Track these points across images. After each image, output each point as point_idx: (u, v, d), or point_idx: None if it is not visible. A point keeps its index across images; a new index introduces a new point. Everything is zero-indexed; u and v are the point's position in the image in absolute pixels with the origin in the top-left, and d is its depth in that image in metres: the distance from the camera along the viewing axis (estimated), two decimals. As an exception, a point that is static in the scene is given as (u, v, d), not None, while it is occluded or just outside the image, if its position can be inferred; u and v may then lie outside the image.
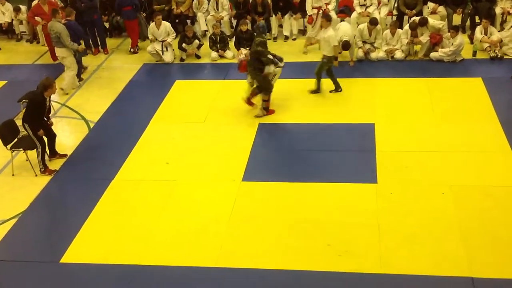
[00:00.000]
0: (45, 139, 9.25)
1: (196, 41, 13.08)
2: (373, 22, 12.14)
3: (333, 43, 10.51)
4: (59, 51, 11.76)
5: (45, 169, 9.22)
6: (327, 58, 10.67)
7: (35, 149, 9.12)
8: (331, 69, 10.90)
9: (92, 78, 12.61)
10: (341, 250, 7.18)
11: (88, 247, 7.60)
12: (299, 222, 7.73)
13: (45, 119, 9.24)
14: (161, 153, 9.57)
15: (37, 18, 13.12)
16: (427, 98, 10.64)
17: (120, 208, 8.33)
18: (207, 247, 7.42)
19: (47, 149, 9.37)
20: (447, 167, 8.65)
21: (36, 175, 9.19)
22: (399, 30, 12.35)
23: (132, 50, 13.75)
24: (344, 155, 9.17)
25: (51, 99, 9.35)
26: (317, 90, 11.05)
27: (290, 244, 7.36)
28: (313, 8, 13.19)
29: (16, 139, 9.43)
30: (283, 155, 9.32)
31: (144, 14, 14.09)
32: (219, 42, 13.04)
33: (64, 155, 9.65)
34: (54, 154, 9.58)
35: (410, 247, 7.15)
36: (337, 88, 11.04)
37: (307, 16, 13.40)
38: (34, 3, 13.71)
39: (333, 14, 13.01)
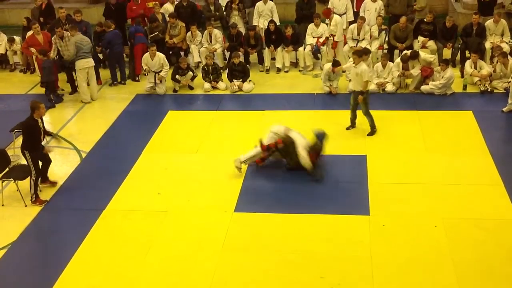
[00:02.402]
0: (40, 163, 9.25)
1: (190, 73, 13.16)
2: (365, 52, 12.26)
3: (365, 78, 10.23)
4: (90, 61, 12.49)
5: (36, 199, 9.15)
6: (358, 93, 10.34)
7: (30, 177, 9.08)
8: (358, 105, 10.55)
9: (85, 108, 12.63)
10: (334, 282, 7.13)
11: (78, 278, 7.50)
12: (291, 254, 7.68)
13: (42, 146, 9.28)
14: (153, 183, 9.54)
15: (32, 49, 13.18)
16: (418, 131, 10.72)
17: (111, 238, 8.25)
18: (199, 279, 7.34)
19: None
20: (439, 199, 8.67)
21: (26, 206, 9.10)
22: (390, 63, 12.51)
23: (138, 77, 13.89)
24: (336, 186, 9.17)
25: (44, 124, 9.35)
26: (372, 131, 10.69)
27: (282, 276, 7.29)
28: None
29: (7, 169, 9.38)
30: (276, 186, 9.31)
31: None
32: (211, 73, 13.13)
33: (54, 183, 9.62)
34: (45, 180, 9.54)
35: (403, 280, 7.11)
36: (352, 125, 10.84)
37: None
38: (28, 34, 13.80)
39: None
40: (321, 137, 9.57)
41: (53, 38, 12.98)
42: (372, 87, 12.34)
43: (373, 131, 10.65)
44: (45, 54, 12.53)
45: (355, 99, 10.55)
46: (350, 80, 12.41)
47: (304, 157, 9.23)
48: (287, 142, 9.41)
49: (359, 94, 10.40)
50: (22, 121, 9.75)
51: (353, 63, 10.46)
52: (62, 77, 13.52)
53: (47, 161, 9.45)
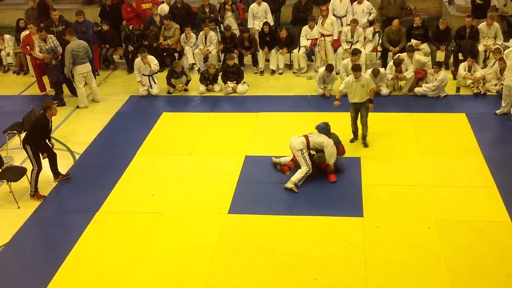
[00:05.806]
0: (46, 160, 9.41)
1: (184, 77, 13.13)
2: (355, 52, 12.23)
3: (371, 86, 10.11)
4: (87, 66, 12.42)
5: (35, 193, 9.22)
6: (364, 103, 10.17)
7: (31, 171, 9.15)
8: (358, 116, 10.39)
9: (79, 110, 12.60)
10: (328, 284, 7.14)
11: (71, 281, 7.48)
12: (285, 256, 7.69)
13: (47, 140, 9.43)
14: (147, 185, 9.52)
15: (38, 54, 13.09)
16: (412, 133, 10.75)
17: (105, 240, 8.24)
18: (192, 281, 7.34)
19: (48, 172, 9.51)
20: (433, 201, 8.70)
21: (19, 207, 9.07)
22: (382, 72, 12.31)
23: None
24: (330, 188, 9.18)
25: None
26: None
27: (276, 278, 7.30)
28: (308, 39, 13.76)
29: (0, 171, 9.35)
30: (270, 188, 9.31)
31: (132, 48, 14.15)
32: (210, 80, 13.10)
33: (67, 175, 9.78)
34: (57, 175, 9.68)
35: (396, 282, 7.13)
36: (355, 137, 10.62)
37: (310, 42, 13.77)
38: (24, 33, 13.73)
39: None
40: (325, 129, 9.65)
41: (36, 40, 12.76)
42: None
43: (366, 142, 10.42)
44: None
45: (357, 110, 10.28)
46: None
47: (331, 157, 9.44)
48: (318, 161, 9.44)
49: (367, 103, 10.16)
50: (18, 122, 9.84)
51: (355, 78, 10.03)
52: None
53: (53, 156, 9.55)
